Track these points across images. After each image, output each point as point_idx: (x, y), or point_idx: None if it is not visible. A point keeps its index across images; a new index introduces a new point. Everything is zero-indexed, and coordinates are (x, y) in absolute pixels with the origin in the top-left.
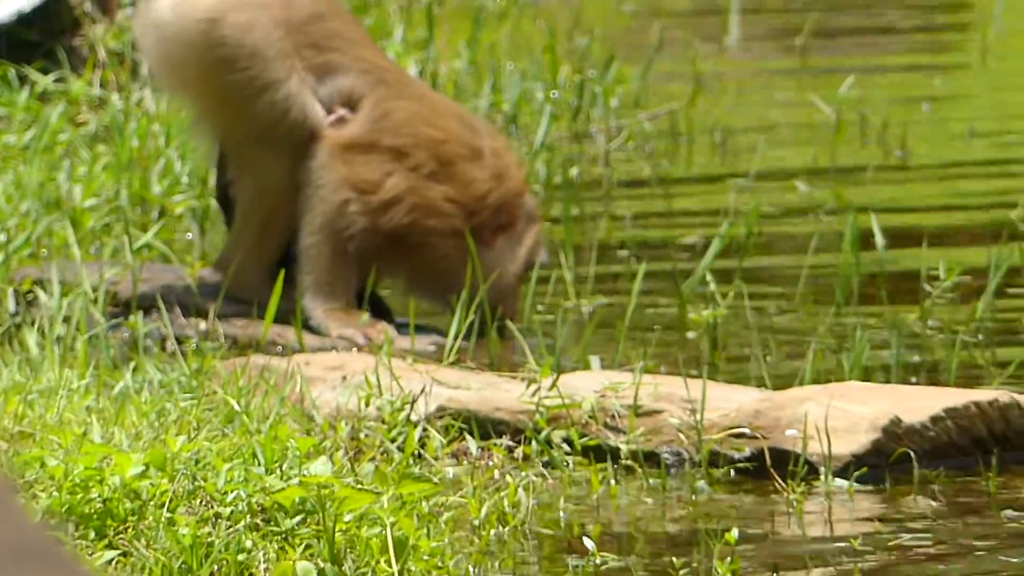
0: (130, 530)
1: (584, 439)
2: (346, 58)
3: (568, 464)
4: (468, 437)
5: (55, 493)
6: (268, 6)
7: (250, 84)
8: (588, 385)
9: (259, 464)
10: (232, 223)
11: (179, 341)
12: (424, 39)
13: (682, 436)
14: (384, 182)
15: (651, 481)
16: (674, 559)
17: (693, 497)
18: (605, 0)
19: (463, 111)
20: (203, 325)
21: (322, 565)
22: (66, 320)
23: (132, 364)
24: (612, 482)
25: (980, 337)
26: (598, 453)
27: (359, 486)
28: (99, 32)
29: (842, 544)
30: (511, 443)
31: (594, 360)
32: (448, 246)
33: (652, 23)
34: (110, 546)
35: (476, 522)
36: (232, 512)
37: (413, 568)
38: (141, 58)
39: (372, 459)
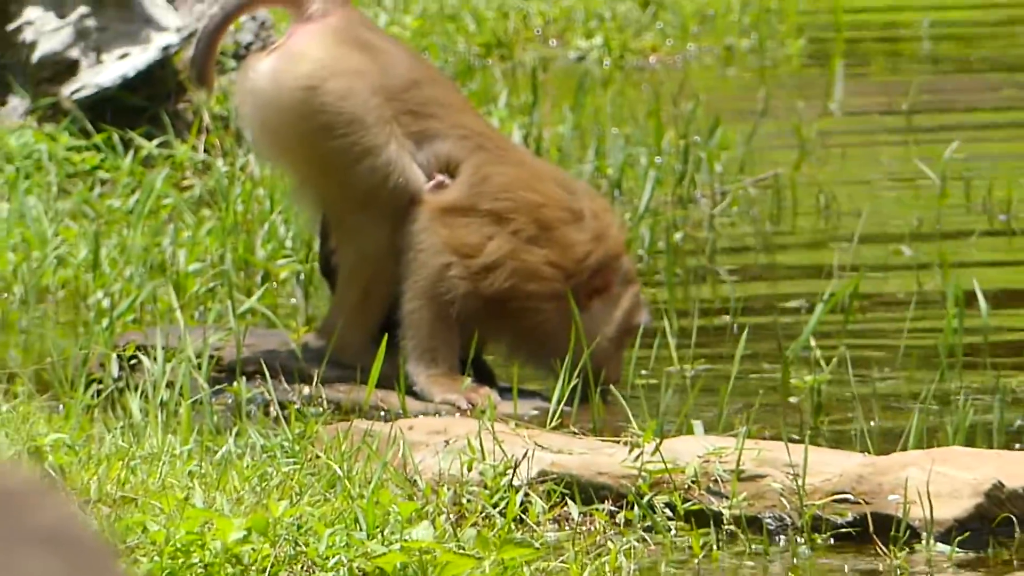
0: None
1: (687, 504)
2: (444, 124)
3: (670, 529)
4: (570, 502)
5: (156, 558)
6: (365, 73)
7: (349, 151)
8: (691, 450)
9: (361, 529)
10: (335, 289)
11: (282, 406)
12: (528, 104)
13: (784, 501)
14: (485, 246)
15: (753, 546)
16: None
17: (795, 562)
18: (710, 65)
19: (562, 174)
20: (306, 390)
21: None
22: (169, 385)
23: (235, 429)
24: (714, 547)
25: None
26: (700, 518)
27: (461, 551)
28: (203, 97)
29: None
30: (613, 508)
31: (697, 425)
32: (549, 310)
33: (757, 88)
34: None
35: None
36: None
37: None
38: (241, 125)
39: (474, 524)
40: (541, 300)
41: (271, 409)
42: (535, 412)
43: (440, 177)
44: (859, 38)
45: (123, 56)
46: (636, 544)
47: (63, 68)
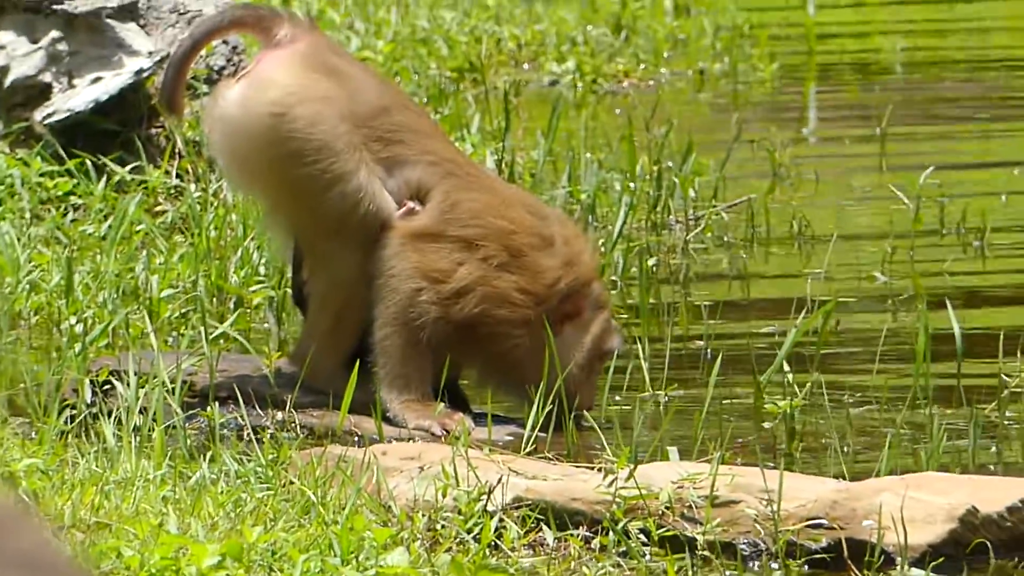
0: None
1: (661, 530)
2: (413, 151)
3: (645, 555)
4: (545, 528)
5: None
6: (334, 99)
7: (319, 177)
8: (665, 476)
9: (335, 555)
10: (307, 316)
11: (256, 431)
12: (501, 128)
13: (759, 527)
14: (455, 271)
15: (728, 572)
16: None
17: None
18: (682, 90)
19: (533, 200)
20: (280, 415)
21: None
22: (143, 411)
23: (209, 454)
24: (689, 573)
25: None
26: (675, 544)
27: None
28: (175, 122)
29: None
30: (588, 534)
31: (671, 451)
32: (519, 336)
33: (730, 112)
34: None
35: None
36: None
37: None
38: (210, 152)
39: (449, 550)
40: (511, 326)
41: (244, 434)
42: (509, 438)
43: (410, 204)
44: (832, 62)
45: (95, 80)
46: (611, 570)
47: (35, 93)
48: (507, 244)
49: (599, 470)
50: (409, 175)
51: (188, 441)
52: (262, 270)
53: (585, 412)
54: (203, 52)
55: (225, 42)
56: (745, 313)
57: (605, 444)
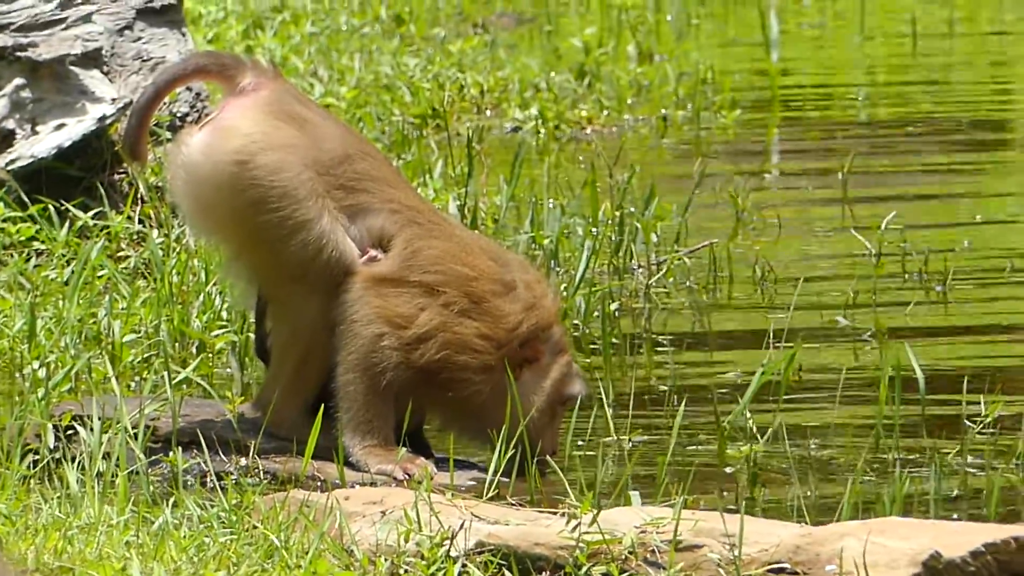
0: None
1: (624, 575)
2: (376, 199)
3: None
4: (507, 573)
5: None
6: (297, 147)
7: (282, 224)
8: (628, 520)
9: None
10: (269, 362)
11: (219, 477)
12: (464, 174)
13: (722, 571)
14: (417, 316)
15: None
16: None
17: None
18: (645, 136)
19: (495, 246)
20: (243, 460)
21: None
22: (106, 456)
23: (172, 500)
24: None
25: (1021, 472)
26: None
27: None
28: (138, 168)
29: None
30: None
31: (634, 495)
32: (480, 382)
33: (692, 158)
34: None
35: None
36: None
37: None
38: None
39: None
40: (472, 372)
41: (208, 479)
42: (472, 483)
43: (373, 252)
44: (795, 107)
45: (59, 127)
46: None
47: None
48: (468, 290)
49: (562, 515)
50: (372, 223)
51: (151, 486)
52: (224, 315)
53: (548, 457)
54: (167, 99)
55: (189, 88)
56: (708, 356)
57: (568, 489)
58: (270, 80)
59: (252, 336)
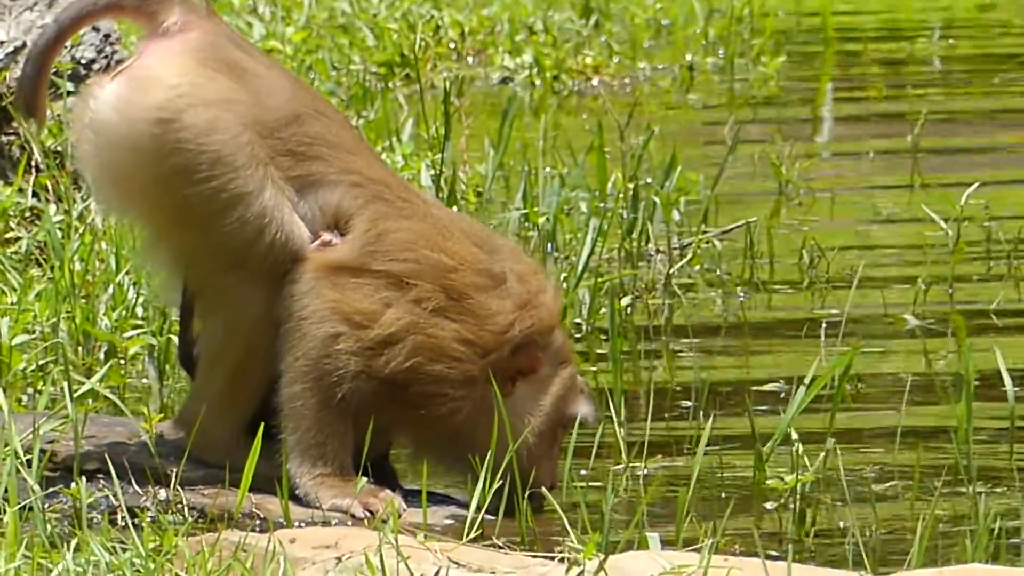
0: None
1: None
2: (332, 168)
3: None
4: None
5: None
6: (234, 103)
7: (214, 198)
8: (644, 568)
9: None
10: (197, 372)
11: (132, 513)
12: (440, 137)
13: None
14: (381, 314)
15: None
16: None
17: None
18: (666, 89)
19: (480, 228)
20: (163, 493)
21: None
22: None
23: (74, 543)
24: None
25: None
26: None
27: None
28: (33, 129)
29: None
30: None
31: (651, 537)
32: (460, 397)
33: (724, 116)
34: None
35: None
36: None
37: None
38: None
39: None
40: (450, 385)
41: (119, 516)
42: (450, 521)
43: (327, 235)
44: (852, 53)
45: None
46: None
47: None
48: (446, 283)
49: (561, 560)
50: (326, 198)
51: (48, 525)
52: (140, 312)
53: (544, 490)
54: (68, 42)
55: (96, 29)
56: (743, 366)
57: (568, 527)
58: (201, 19)
59: (175, 339)
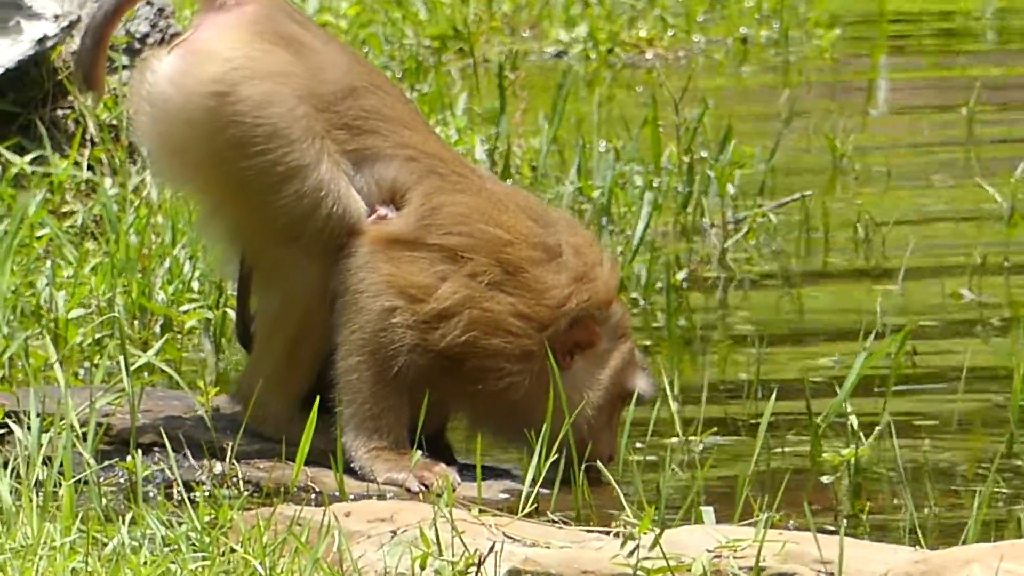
0: None
1: None
2: (388, 143)
3: None
4: None
5: None
6: (290, 76)
7: (270, 171)
8: (699, 542)
9: None
10: (253, 345)
11: (188, 487)
12: (494, 111)
13: None
14: (437, 287)
15: None
16: None
17: None
18: (720, 62)
19: (535, 202)
20: (218, 467)
21: None
22: (47, 461)
23: (129, 516)
24: None
25: None
26: None
27: None
28: (89, 102)
29: None
30: None
31: (706, 511)
32: (517, 372)
33: (780, 91)
34: None
35: None
36: None
37: None
38: (137, 138)
39: None
40: (507, 359)
41: (174, 490)
42: (504, 496)
43: (382, 210)
44: (907, 27)
45: None
46: None
47: None
48: (501, 257)
49: (616, 535)
50: (382, 173)
51: (103, 499)
52: (196, 285)
53: (600, 464)
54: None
55: (150, 3)
56: (799, 339)
57: (624, 502)
58: None
59: (231, 313)
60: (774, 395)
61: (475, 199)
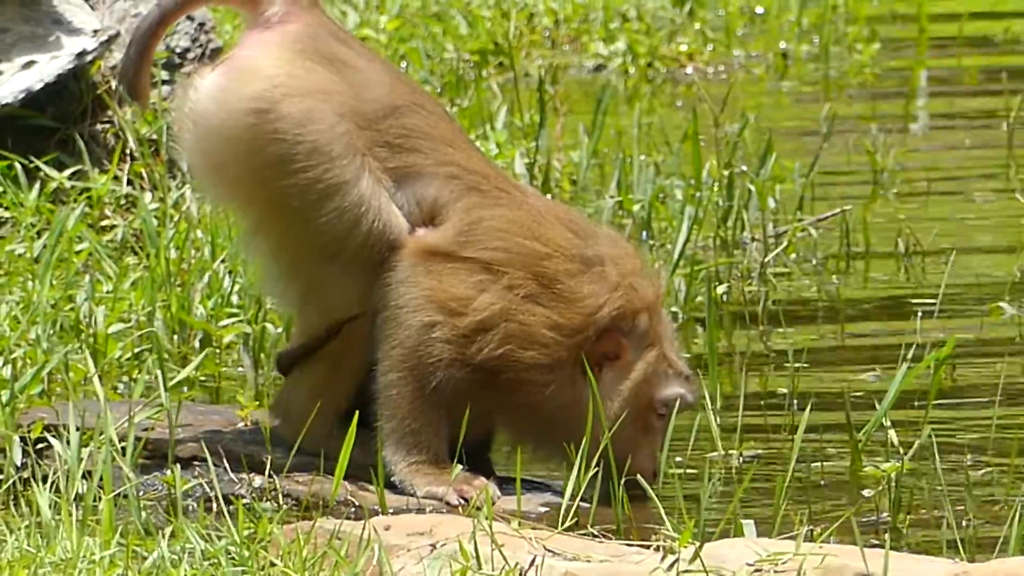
0: None
1: None
2: (428, 161)
3: None
4: None
5: None
6: (332, 94)
7: (311, 188)
8: (740, 556)
9: None
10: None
11: (227, 501)
12: (534, 124)
13: None
14: (474, 299)
15: None
16: None
17: None
18: (760, 76)
19: (578, 215)
20: (258, 481)
21: None
22: (87, 475)
23: (169, 530)
24: None
25: None
26: None
27: None
28: (130, 116)
29: None
30: None
31: (747, 525)
32: (552, 383)
33: (820, 106)
34: None
35: None
36: None
37: None
38: (181, 155)
39: None
40: (540, 372)
41: (214, 504)
42: (544, 509)
43: (422, 231)
44: (947, 42)
45: (27, 65)
46: None
47: None
48: (537, 270)
49: (656, 549)
50: (422, 191)
51: (143, 513)
52: (235, 300)
53: (639, 478)
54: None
55: (190, 18)
56: (838, 354)
57: (664, 516)
58: (302, 10)
59: (270, 328)
60: (809, 408)
61: (515, 213)
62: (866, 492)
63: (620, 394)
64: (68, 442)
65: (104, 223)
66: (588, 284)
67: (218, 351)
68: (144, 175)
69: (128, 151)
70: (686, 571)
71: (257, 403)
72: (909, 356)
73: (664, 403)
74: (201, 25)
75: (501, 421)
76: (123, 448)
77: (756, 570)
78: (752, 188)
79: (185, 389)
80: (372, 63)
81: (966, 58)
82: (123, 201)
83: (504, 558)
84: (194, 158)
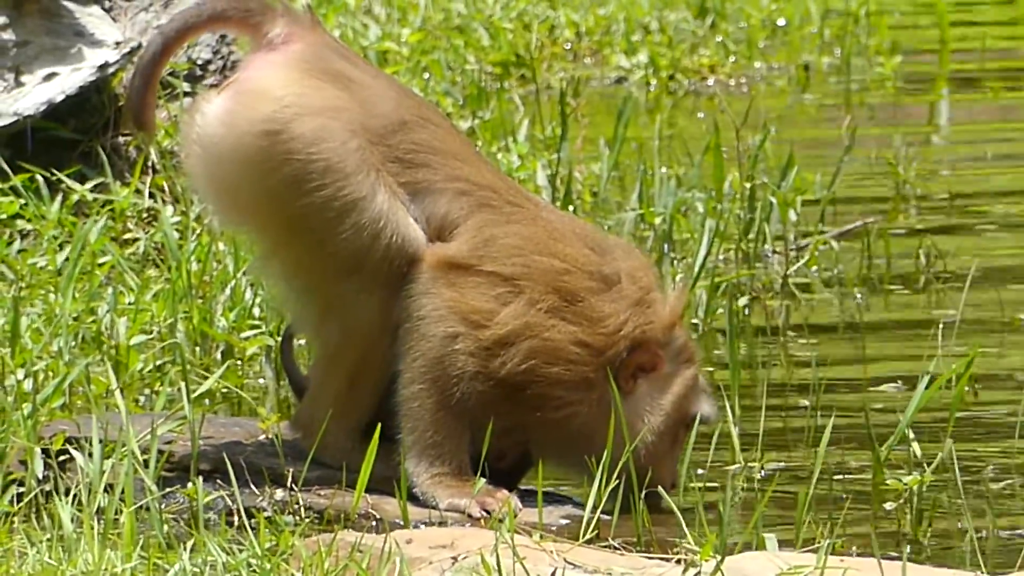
0: None
1: None
2: (438, 176)
3: None
4: None
5: None
6: (341, 111)
7: (327, 206)
8: (761, 569)
9: None
10: (312, 372)
11: (249, 514)
12: (556, 137)
13: None
14: (498, 312)
15: None
16: None
17: None
18: (782, 89)
19: (593, 229)
20: (279, 494)
21: None
22: (108, 488)
23: (190, 543)
24: None
25: None
26: None
27: None
28: (147, 139)
29: None
30: None
31: (769, 538)
32: (577, 400)
33: (841, 117)
34: None
35: None
36: None
37: None
38: (191, 182)
39: None
40: (564, 388)
41: (235, 517)
42: (565, 521)
43: (439, 244)
44: (970, 52)
45: (49, 77)
46: None
47: None
48: (557, 286)
49: (678, 562)
50: (433, 208)
51: (165, 526)
52: (257, 312)
53: (661, 490)
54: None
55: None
56: (860, 367)
57: (685, 528)
58: (306, 30)
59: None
60: (831, 421)
61: (529, 229)
62: (888, 505)
63: (661, 408)
64: (90, 455)
65: (126, 236)
66: (609, 303)
67: (240, 363)
68: (166, 188)
69: (150, 164)
70: None
71: (279, 416)
72: (931, 368)
73: (695, 419)
74: (222, 37)
75: (526, 435)
76: (145, 461)
77: None
78: (774, 200)
79: (207, 401)
80: (378, 79)
81: (988, 68)
82: (145, 214)
83: (526, 571)
84: (203, 184)
